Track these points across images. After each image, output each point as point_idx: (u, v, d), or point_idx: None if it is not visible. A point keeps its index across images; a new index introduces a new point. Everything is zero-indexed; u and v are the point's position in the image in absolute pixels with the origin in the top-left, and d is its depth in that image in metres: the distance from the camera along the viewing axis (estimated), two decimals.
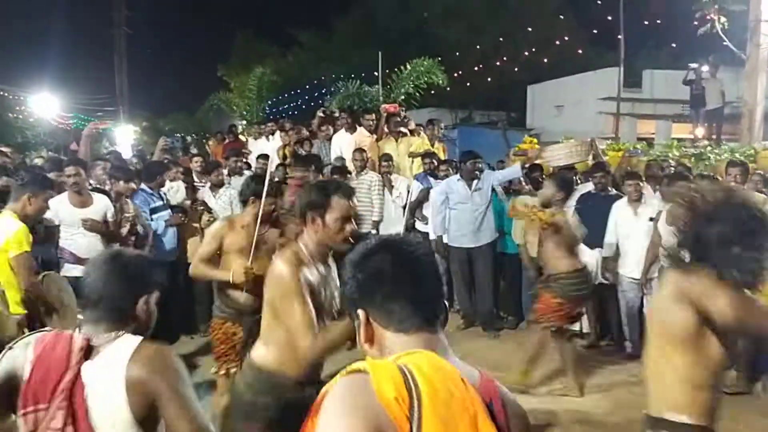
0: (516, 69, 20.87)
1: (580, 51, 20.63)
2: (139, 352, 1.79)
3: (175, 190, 7.00)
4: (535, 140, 10.43)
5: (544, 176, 7.14)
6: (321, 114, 9.71)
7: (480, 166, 7.03)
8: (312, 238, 2.58)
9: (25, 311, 3.72)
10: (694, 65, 13.25)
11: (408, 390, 1.15)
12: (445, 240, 7.11)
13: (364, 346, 1.35)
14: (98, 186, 6.04)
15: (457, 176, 7.06)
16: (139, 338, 1.84)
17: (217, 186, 7.03)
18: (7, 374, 1.78)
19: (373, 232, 7.26)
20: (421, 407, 1.13)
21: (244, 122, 17.33)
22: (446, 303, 1.39)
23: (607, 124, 17.55)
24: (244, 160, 8.30)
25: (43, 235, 4.73)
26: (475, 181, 6.95)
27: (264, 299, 2.55)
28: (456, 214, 6.96)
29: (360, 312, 1.35)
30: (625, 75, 17.24)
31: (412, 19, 24.50)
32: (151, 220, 6.20)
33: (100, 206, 5.23)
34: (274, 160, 5.20)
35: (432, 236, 7.34)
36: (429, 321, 1.31)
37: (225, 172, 7.48)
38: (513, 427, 1.27)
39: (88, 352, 1.80)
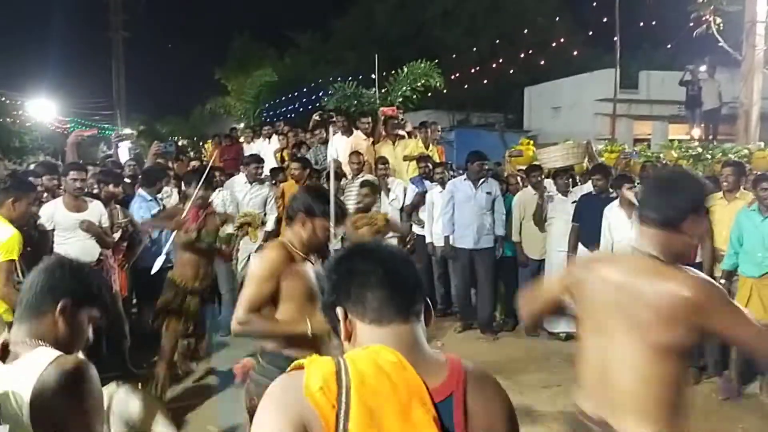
0: (513, 71, 20.89)
1: (576, 53, 20.65)
2: (51, 369, 1.67)
3: (167, 195, 6.99)
4: (532, 142, 10.42)
5: (542, 177, 7.16)
6: (317, 117, 9.71)
7: (486, 167, 7.07)
8: (298, 236, 2.88)
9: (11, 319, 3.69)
10: (690, 66, 13.29)
11: (338, 380, 1.20)
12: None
13: (345, 343, 1.38)
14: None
15: (464, 176, 7.09)
16: (56, 353, 1.72)
17: (213, 188, 6.99)
18: None
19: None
20: (349, 396, 1.18)
21: (242, 125, 17.33)
22: (427, 298, 1.41)
23: (603, 125, 17.57)
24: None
25: (37, 239, 4.72)
26: (482, 183, 6.95)
27: None
28: (459, 214, 6.99)
29: (339, 310, 1.38)
30: (621, 76, 17.27)
31: (409, 21, 24.52)
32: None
33: (95, 211, 5.24)
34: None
35: (428, 239, 7.34)
36: (402, 312, 1.33)
37: (243, 177, 7.40)
38: (480, 417, 1.28)
39: (5, 355, 1.73)
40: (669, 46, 17.55)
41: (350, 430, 1.16)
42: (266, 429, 1.19)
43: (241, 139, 11.47)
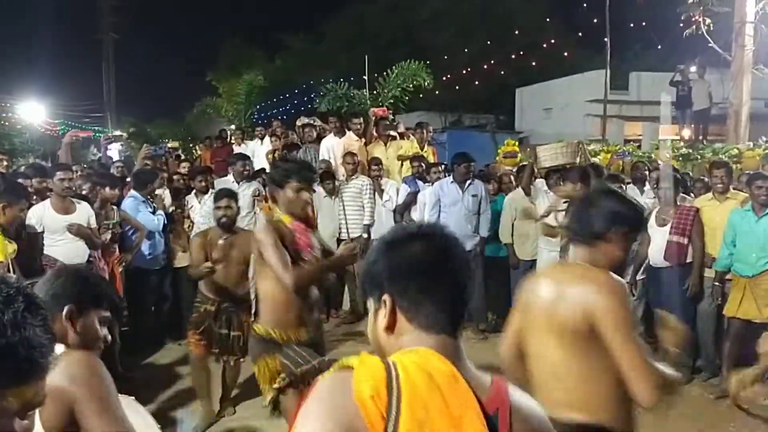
0: (504, 72, 20.95)
1: (567, 54, 20.74)
2: (60, 362, 1.67)
3: (160, 197, 6.95)
4: (517, 143, 10.46)
5: (535, 177, 7.18)
6: (299, 123, 9.68)
7: (472, 169, 7.04)
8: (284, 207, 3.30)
9: None
10: (681, 66, 13.35)
11: (389, 388, 1.13)
12: None
13: (382, 333, 1.29)
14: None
15: (450, 179, 7.06)
16: (62, 346, 1.74)
17: (202, 192, 6.95)
18: None
19: (365, 236, 7.25)
20: (399, 406, 1.12)
21: (233, 127, 17.30)
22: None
23: (594, 126, 17.64)
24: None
25: (27, 242, 4.69)
26: (469, 185, 6.94)
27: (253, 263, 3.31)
28: (446, 217, 6.94)
29: (386, 297, 1.27)
30: (611, 77, 17.34)
31: (400, 23, 24.54)
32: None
33: (83, 213, 5.20)
34: None
35: None
36: (453, 325, 1.27)
37: (230, 176, 7.35)
38: None
39: None
40: (659, 47, 17.65)
41: None
42: (312, 429, 1.13)
43: (232, 141, 11.45)
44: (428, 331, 1.25)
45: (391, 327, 1.27)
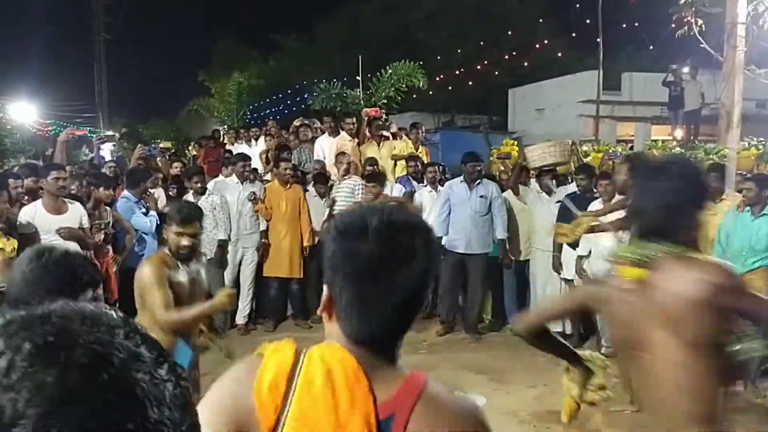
0: (497, 73, 20.99)
1: (560, 54, 20.80)
2: None
3: (155, 197, 6.92)
4: (515, 143, 10.47)
5: (530, 178, 7.20)
6: (297, 123, 9.69)
7: (479, 168, 7.02)
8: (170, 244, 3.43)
9: None
10: (674, 66, 13.40)
11: (289, 380, 1.12)
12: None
13: (323, 315, 1.24)
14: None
15: (460, 178, 7.05)
16: None
17: (198, 193, 6.90)
18: None
19: None
20: (292, 398, 1.12)
21: (225, 127, 17.23)
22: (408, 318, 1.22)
23: (587, 126, 17.68)
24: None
25: (21, 243, 4.65)
26: (477, 185, 6.92)
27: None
28: (454, 216, 6.92)
29: (325, 286, 1.22)
30: (604, 78, 17.39)
31: (394, 24, 24.53)
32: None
33: (75, 213, 5.17)
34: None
35: None
36: (378, 340, 1.18)
37: (233, 177, 7.30)
38: None
39: None
40: (651, 47, 17.72)
41: None
42: (204, 420, 1.13)
43: (225, 141, 11.40)
44: (351, 339, 1.18)
45: (328, 312, 1.22)
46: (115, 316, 0.59)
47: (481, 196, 6.88)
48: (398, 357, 1.23)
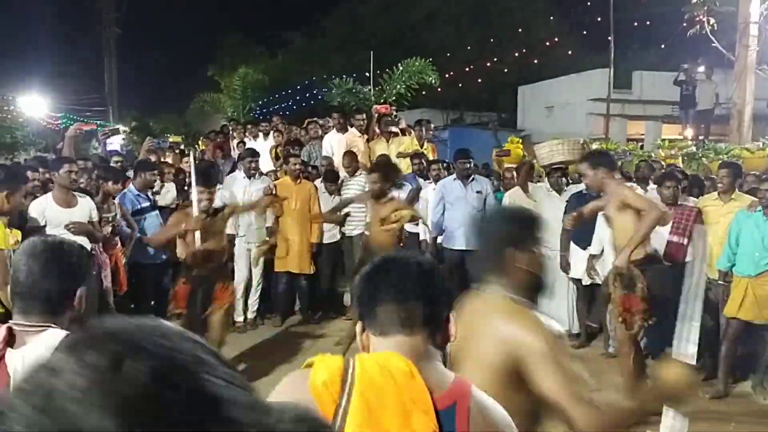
0: (506, 70, 20.89)
1: (570, 52, 20.68)
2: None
3: (166, 191, 6.94)
4: (520, 140, 10.43)
5: (540, 176, 7.17)
6: (309, 120, 9.72)
7: (468, 165, 7.04)
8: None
9: (3, 310, 3.64)
10: (686, 65, 13.32)
11: (343, 378, 1.24)
12: (439, 240, 7.11)
13: (362, 350, 1.44)
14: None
15: (453, 176, 7.07)
16: (64, 332, 1.76)
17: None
18: None
19: (367, 233, 7.24)
20: (351, 393, 1.21)
21: (234, 122, 17.26)
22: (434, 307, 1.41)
23: (597, 125, 17.59)
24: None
25: (28, 235, 4.67)
26: (472, 181, 6.94)
27: None
28: (450, 214, 6.94)
29: (358, 324, 1.45)
30: (614, 76, 17.29)
31: (401, 20, 24.48)
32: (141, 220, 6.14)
33: (85, 207, 5.19)
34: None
35: (423, 236, 7.33)
36: (406, 325, 1.36)
37: (241, 173, 7.32)
38: (482, 427, 1.29)
39: (11, 341, 1.76)
40: (662, 46, 17.61)
41: (347, 426, 1.18)
42: None
43: (234, 136, 11.40)
44: (385, 336, 1.37)
45: (365, 348, 1.43)
46: (174, 327, 0.60)
47: (477, 192, 6.96)
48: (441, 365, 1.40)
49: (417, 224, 7.41)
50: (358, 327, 1.44)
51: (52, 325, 1.79)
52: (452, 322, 1.42)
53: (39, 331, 1.77)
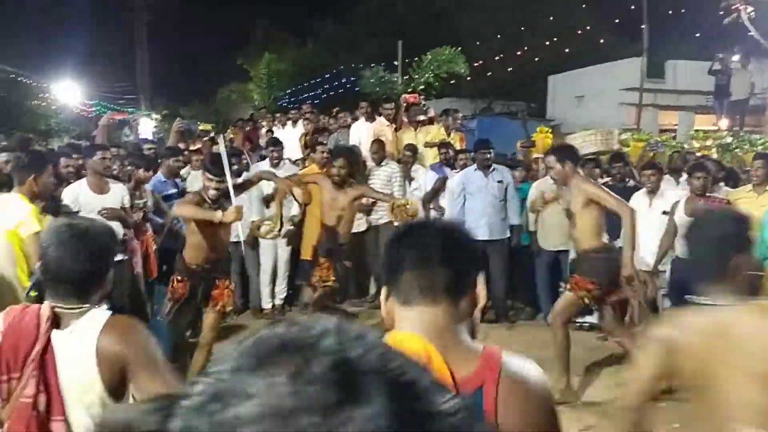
0: (537, 59, 20.65)
1: (602, 41, 20.35)
2: (110, 325, 1.82)
3: (193, 178, 7.01)
4: (550, 130, 10.32)
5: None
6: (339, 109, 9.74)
7: (488, 155, 7.00)
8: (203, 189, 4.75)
9: (36, 293, 3.71)
10: (720, 54, 13.05)
11: None
12: None
13: (386, 318, 1.40)
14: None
15: (474, 166, 7.04)
16: (108, 312, 1.85)
17: (236, 174, 6.92)
18: None
19: (396, 222, 7.25)
20: None
21: (264, 110, 17.38)
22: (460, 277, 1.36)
23: (628, 115, 17.34)
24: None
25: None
26: (493, 171, 6.92)
27: None
28: (472, 204, 6.92)
29: (383, 289, 1.41)
30: (647, 65, 17.01)
31: (431, 8, 24.33)
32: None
33: (117, 193, 5.29)
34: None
35: None
36: (426, 293, 1.31)
37: (267, 162, 7.32)
38: (513, 415, 1.22)
39: (55, 322, 1.82)
40: (697, 35, 17.26)
41: None
42: None
43: (263, 124, 11.47)
44: (408, 305, 1.32)
45: (388, 313, 1.38)
46: (373, 332, 0.54)
47: (498, 182, 6.93)
48: (468, 337, 1.34)
49: (442, 214, 7.40)
50: (383, 293, 1.40)
51: (93, 307, 1.85)
52: (480, 286, 1.36)
53: (81, 312, 1.83)
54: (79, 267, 1.84)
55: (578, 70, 19.98)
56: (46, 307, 1.83)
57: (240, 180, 5.75)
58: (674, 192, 5.96)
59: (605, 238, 5.13)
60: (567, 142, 6.19)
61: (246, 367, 0.49)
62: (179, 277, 4.67)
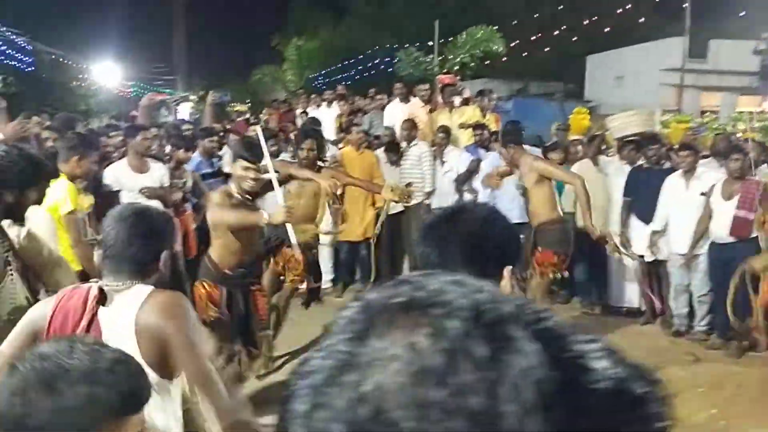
0: (575, 39, 20.29)
1: (642, 20, 19.89)
2: (150, 299, 1.86)
3: (229, 156, 7.08)
4: (588, 111, 10.13)
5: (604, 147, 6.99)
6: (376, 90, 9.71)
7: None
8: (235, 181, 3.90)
9: (80, 268, 3.81)
10: (766, 34, 12.66)
11: None
12: None
13: None
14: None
15: None
16: (151, 287, 1.90)
17: (274, 155, 6.93)
18: (33, 324, 1.90)
19: (426, 202, 7.24)
20: None
21: (301, 90, 17.42)
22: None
23: (669, 96, 16.98)
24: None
25: (104, 199, 4.87)
26: None
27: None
28: (504, 187, 6.84)
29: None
30: (689, 45, 16.59)
31: None
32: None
33: (157, 172, 5.38)
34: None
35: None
36: None
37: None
38: None
39: (102, 299, 1.88)
40: (742, 13, 16.74)
41: None
42: None
43: (298, 106, 11.50)
44: None
45: None
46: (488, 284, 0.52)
47: None
48: None
49: (476, 196, 7.35)
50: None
51: (137, 284, 1.91)
52: (506, 277, 1.33)
53: (126, 288, 1.90)
54: (136, 246, 1.91)
55: (618, 49, 19.60)
56: (94, 286, 1.90)
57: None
58: (714, 174, 5.83)
59: (560, 210, 5.40)
60: (509, 127, 6.21)
61: (369, 335, 0.46)
62: (208, 283, 3.93)
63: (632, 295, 6.54)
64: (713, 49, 18.20)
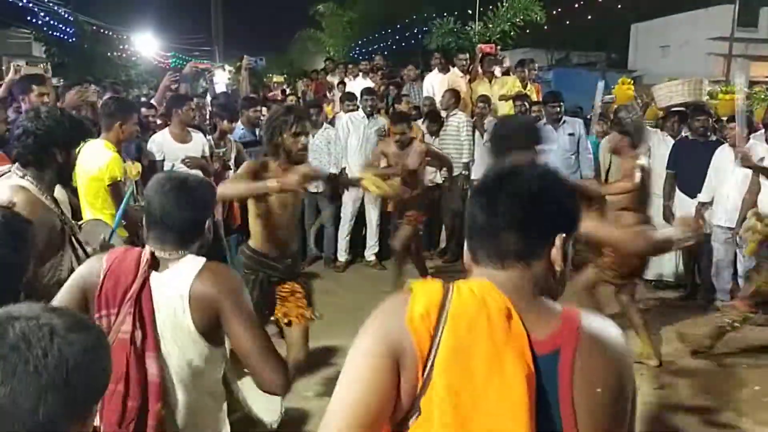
0: (619, 6, 19.75)
1: None
2: (205, 270, 1.90)
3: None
4: (631, 82, 9.87)
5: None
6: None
7: (558, 109, 6.82)
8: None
9: (127, 234, 3.89)
10: None
11: (440, 308, 1.17)
12: None
13: (468, 268, 1.33)
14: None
15: (543, 120, 6.87)
16: (203, 258, 1.94)
17: (314, 126, 6.92)
18: (83, 280, 1.96)
19: (464, 173, 7.20)
20: (445, 325, 1.15)
21: (334, 62, 17.38)
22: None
23: (716, 65, 16.48)
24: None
25: (147, 167, 4.96)
26: (563, 124, 6.76)
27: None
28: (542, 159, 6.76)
29: (466, 242, 1.33)
30: (739, 13, 16.02)
31: None
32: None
33: (198, 142, 5.45)
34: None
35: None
36: (493, 258, 1.24)
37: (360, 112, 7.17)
38: (589, 383, 1.15)
39: (154, 264, 1.93)
40: None
41: (436, 364, 1.13)
42: (362, 352, 1.20)
43: (335, 76, 11.45)
44: (478, 265, 1.27)
45: (468, 267, 1.32)
46: None
47: (570, 134, 6.78)
48: (545, 299, 1.25)
49: None
50: (465, 245, 1.32)
51: (190, 254, 1.96)
52: (557, 246, 1.24)
53: (178, 258, 1.95)
54: (180, 215, 1.95)
55: (664, 18, 19.07)
56: (146, 250, 1.95)
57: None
58: (765, 147, 5.65)
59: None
60: (403, 110, 6.23)
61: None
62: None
63: (667, 269, 6.44)
64: (764, 16, 17.58)
